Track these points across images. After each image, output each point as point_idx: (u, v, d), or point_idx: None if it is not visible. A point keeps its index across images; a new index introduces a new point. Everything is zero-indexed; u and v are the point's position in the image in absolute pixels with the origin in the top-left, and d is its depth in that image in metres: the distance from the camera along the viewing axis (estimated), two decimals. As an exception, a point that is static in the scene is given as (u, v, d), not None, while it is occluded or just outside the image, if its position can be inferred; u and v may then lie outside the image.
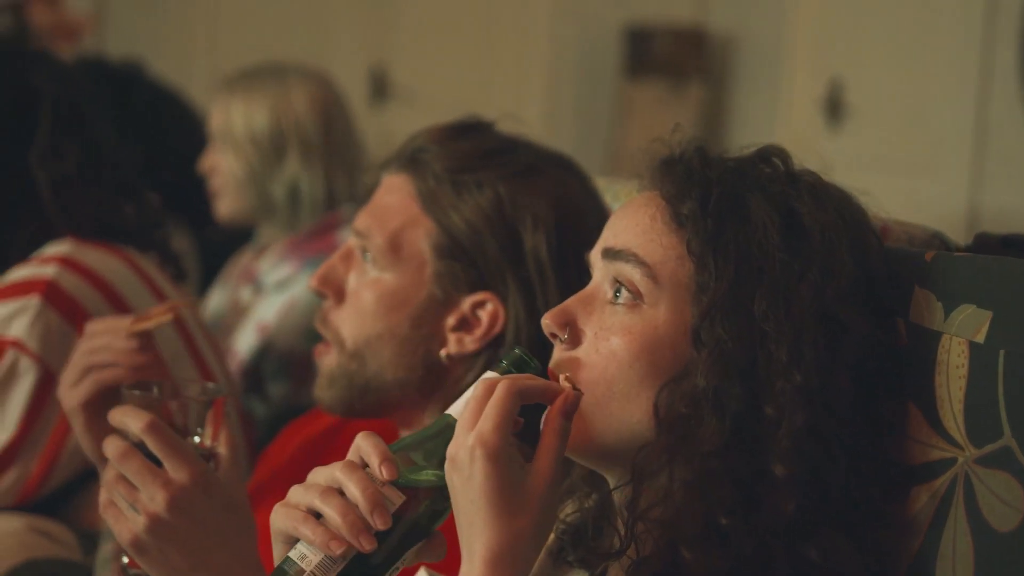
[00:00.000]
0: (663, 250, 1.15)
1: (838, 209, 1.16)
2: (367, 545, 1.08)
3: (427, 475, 1.11)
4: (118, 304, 1.93)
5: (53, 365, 1.83)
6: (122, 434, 1.32)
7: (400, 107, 5.37)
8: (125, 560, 1.38)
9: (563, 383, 1.14)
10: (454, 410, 1.13)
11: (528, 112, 5.64)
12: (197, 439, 1.36)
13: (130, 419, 1.32)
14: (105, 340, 1.51)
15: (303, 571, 1.07)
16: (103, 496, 1.33)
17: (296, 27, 5.50)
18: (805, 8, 5.00)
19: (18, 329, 1.84)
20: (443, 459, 1.10)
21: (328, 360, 1.57)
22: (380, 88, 5.46)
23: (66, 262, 1.91)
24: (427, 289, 1.54)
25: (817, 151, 1.23)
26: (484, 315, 1.53)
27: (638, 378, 1.13)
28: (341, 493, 1.11)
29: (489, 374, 1.14)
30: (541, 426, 1.12)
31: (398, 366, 1.54)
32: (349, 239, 1.60)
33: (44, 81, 2.05)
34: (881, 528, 1.12)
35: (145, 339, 1.51)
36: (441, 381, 1.55)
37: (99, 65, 3.49)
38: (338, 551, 1.07)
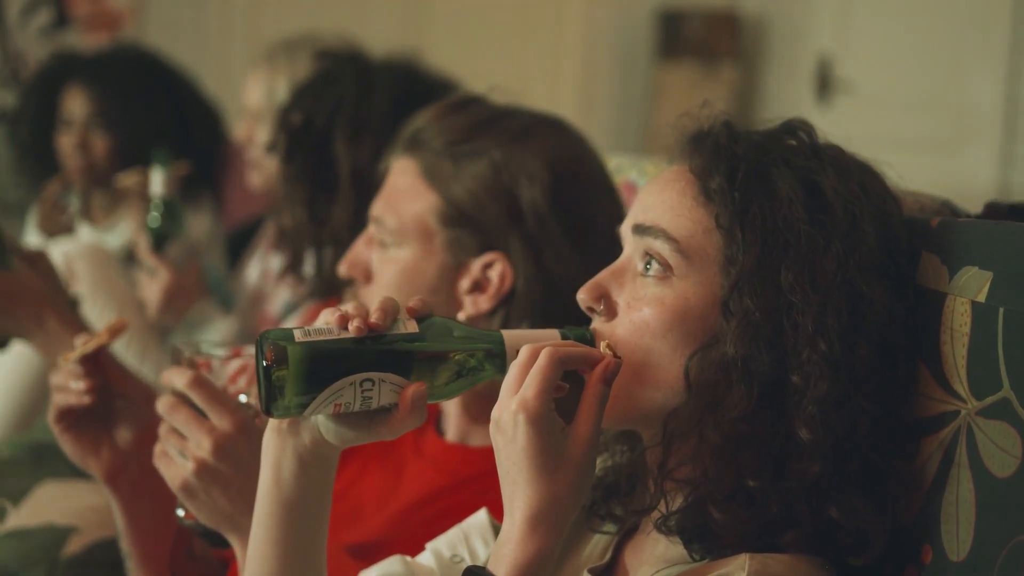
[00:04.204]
0: (692, 224, 1.20)
1: (860, 182, 1.21)
2: (355, 324, 1.14)
3: (446, 343, 1.17)
4: None
5: None
6: (181, 395, 1.40)
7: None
8: (180, 513, 1.46)
9: (604, 350, 1.19)
10: (508, 332, 1.20)
11: (563, 94, 5.70)
12: (244, 398, 1.45)
13: (175, 376, 1.42)
14: (63, 367, 1.56)
15: (302, 327, 1.16)
16: (157, 448, 1.43)
17: (333, 13, 5.57)
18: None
19: None
20: (468, 349, 1.18)
21: None
22: (416, 73, 5.53)
23: None
24: (438, 258, 1.63)
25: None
26: (494, 275, 1.62)
27: (670, 347, 1.19)
28: None
29: (553, 331, 1.20)
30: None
31: None
32: (369, 226, 1.70)
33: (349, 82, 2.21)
34: (895, 483, 1.18)
35: (88, 364, 1.53)
36: None
37: (140, 53, 3.56)
38: (333, 318, 1.15)
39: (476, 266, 1.62)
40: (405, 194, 1.65)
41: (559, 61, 5.75)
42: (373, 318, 1.15)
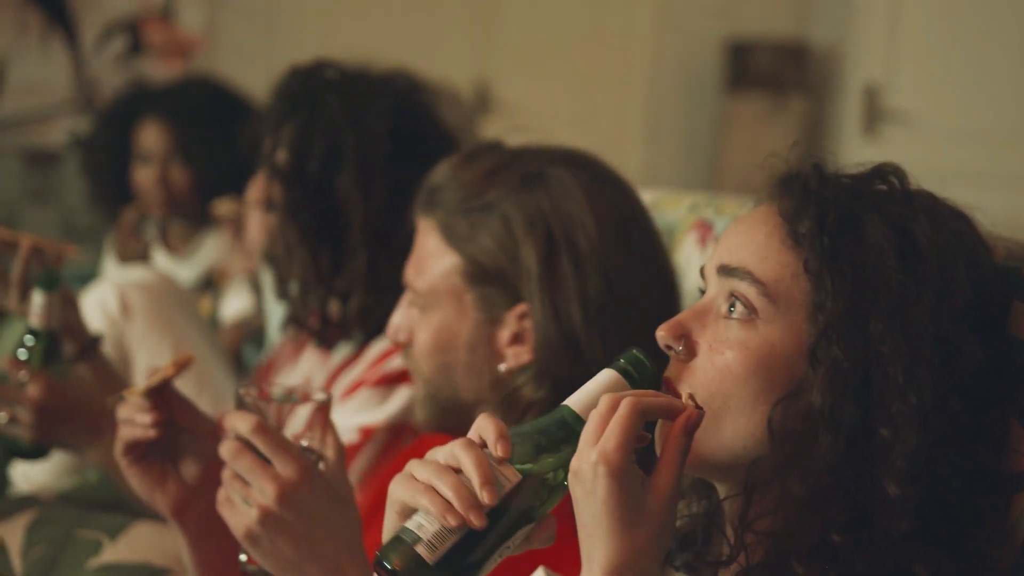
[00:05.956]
0: (779, 268, 1.18)
1: (954, 229, 1.18)
2: (477, 521, 1.09)
3: (542, 463, 1.14)
4: None
5: None
6: (244, 441, 1.40)
7: (502, 122, 5.42)
8: (243, 558, 1.45)
9: (686, 400, 1.16)
10: (572, 401, 1.16)
11: (630, 127, 5.69)
12: (305, 443, 1.44)
13: (239, 422, 1.41)
14: (130, 401, 1.56)
15: (420, 539, 1.09)
16: (221, 494, 1.42)
17: (403, 42, 5.59)
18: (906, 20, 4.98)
19: None
20: (557, 450, 1.14)
21: (415, 387, 1.69)
22: (482, 102, 5.53)
23: None
24: (471, 316, 1.62)
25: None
26: (528, 325, 1.59)
27: (752, 393, 1.16)
28: (459, 472, 1.13)
29: (607, 372, 1.17)
30: (660, 441, 1.15)
31: (469, 388, 1.63)
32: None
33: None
34: (985, 541, 1.14)
35: (154, 397, 1.53)
36: (508, 392, 1.61)
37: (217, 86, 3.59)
38: (454, 523, 1.09)
39: (511, 318, 1.60)
40: (430, 256, 1.65)
41: (626, 93, 5.73)
42: (486, 500, 1.10)
